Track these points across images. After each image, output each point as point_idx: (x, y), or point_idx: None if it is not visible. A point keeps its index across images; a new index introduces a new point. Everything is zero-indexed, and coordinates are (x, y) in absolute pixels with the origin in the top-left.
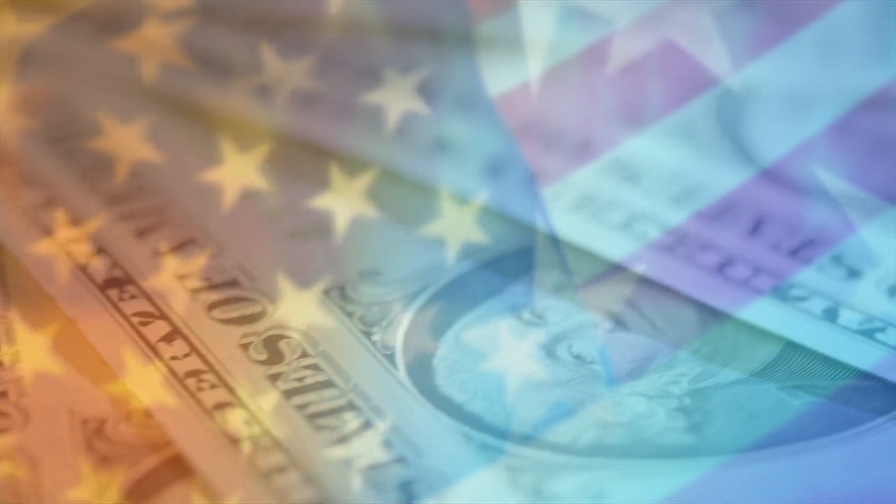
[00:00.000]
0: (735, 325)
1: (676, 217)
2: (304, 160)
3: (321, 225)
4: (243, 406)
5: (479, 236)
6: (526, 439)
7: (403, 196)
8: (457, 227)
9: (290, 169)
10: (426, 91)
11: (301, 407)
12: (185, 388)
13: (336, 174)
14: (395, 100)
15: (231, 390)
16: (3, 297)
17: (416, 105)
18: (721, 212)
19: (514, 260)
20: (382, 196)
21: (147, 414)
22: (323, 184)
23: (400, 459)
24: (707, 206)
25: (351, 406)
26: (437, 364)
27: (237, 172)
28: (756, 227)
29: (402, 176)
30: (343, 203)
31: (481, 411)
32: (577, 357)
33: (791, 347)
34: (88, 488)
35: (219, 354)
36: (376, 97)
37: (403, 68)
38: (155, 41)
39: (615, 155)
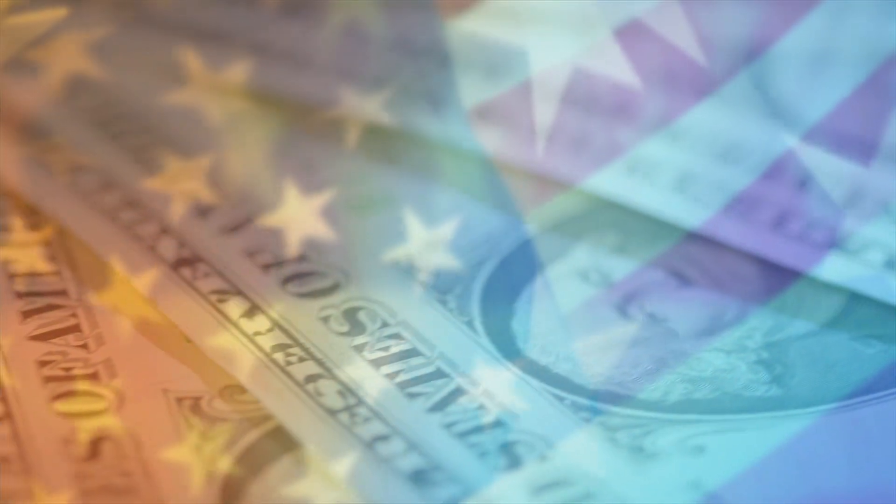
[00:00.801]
0: (797, 278)
1: (726, 175)
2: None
3: (381, 196)
4: (334, 377)
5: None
6: (616, 398)
7: (460, 166)
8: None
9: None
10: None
11: (391, 376)
12: (275, 362)
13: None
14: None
15: (319, 363)
16: (78, 283)
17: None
18: (769, 169)
19: (574, 223)
20: (437, 166)
21: (241, 389)
22: (383, 158)
23: (497, 423)
24: (753, 164)
25: (440, 373)
26: (515, 328)
27: None
28: (804, 183)
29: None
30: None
31: (567, 373)
32: (651, 315)
33: (855, 298)
34: (197, 459)
35: (301, 328)
36: None
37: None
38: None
39: (656, 117)
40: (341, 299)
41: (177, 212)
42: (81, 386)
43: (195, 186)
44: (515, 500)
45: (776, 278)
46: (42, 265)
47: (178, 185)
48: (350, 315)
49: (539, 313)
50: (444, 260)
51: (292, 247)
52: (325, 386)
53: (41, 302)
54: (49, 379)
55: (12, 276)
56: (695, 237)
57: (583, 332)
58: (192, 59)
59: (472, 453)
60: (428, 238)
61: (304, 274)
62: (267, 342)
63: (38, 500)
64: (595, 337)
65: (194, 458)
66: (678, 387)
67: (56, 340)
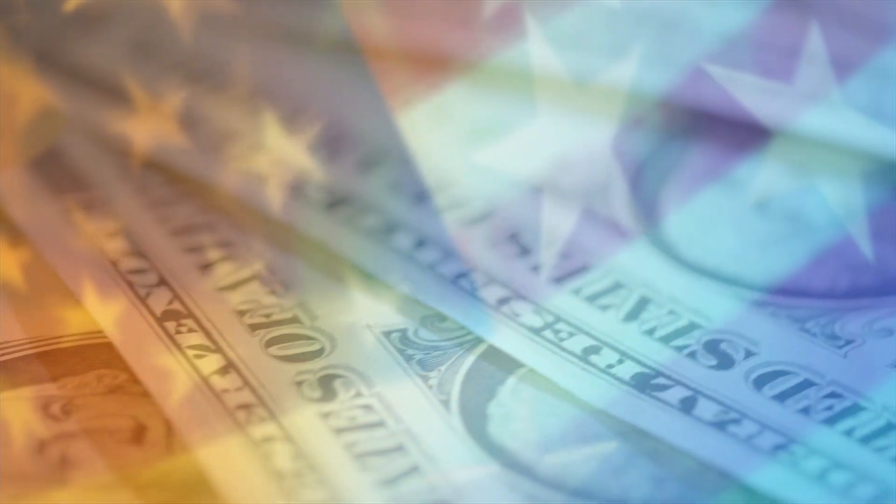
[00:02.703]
0: None
1: None
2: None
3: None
4: (291, 441)
5: None
6: (575, 492)
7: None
8: None
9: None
10: None
11: (349, 445)
12: (235, 419)
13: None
14: None
15: (280, 425)
16: None
17: None
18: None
19: (87, 353)
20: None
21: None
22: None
23: None
24: None
25: (400, 448)
26: (492, 411)
27: None
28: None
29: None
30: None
31: (530, 462)
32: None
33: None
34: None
35: (271, 390)
36: None
37: None
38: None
39: None
40: (321, 366)
41: (180, 265)
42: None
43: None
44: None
45: None
46: None
47: None
48: (325, 382)
49: (518, 399)
50: (437, 336)
51: (287, 309)
52: (280, 448)
53: None
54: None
55: None
56: None
57: (555, 425)
58: None
59: None
60: (424, 311)
61: (291, 337)
62: (234, 400)
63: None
64: (567, 432)
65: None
66: (643, 486)
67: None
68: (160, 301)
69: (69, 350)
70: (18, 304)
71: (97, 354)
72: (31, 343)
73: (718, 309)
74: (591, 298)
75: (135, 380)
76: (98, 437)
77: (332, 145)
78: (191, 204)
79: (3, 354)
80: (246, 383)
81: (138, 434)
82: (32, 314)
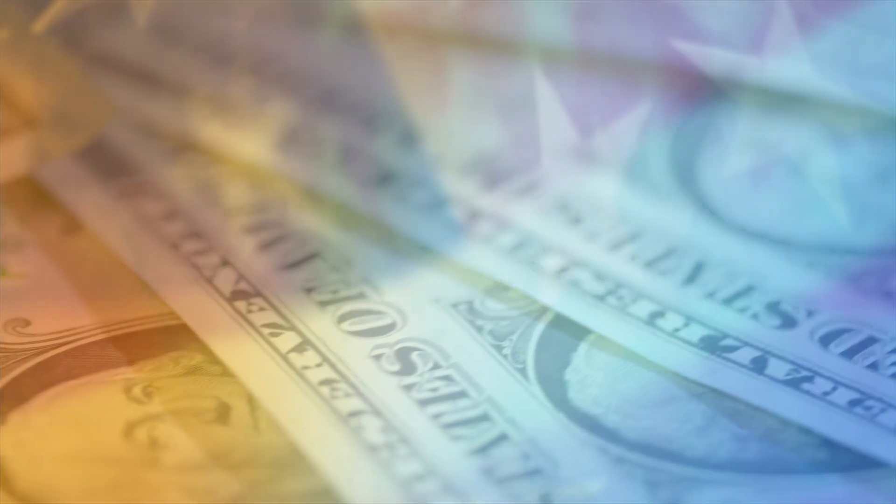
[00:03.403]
0: None
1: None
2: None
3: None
4: (378, 414)
5: None
6: (662, 453)
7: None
8: None
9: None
10: None
11: (436, 416)
12: (319, 395)
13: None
14: None
15: (365, 399)
16: None
17: None
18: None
19: (161, 336)
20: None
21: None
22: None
23: (537, 471)
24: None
25: (486, 417)
26: (569, 378)
27: None
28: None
29: None
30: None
31: (615, 425)
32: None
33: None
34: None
35: (350, 365)
36: None
37: None
38: None
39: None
40: (395, 339)
41: (239, 245)
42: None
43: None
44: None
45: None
46: None
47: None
48: (402, 355)
49: (594, 365)
50: (503, 306)
51: (353, 285)
52: (367, 421)
53: None
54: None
55: None
56: None
57: (638, 386)
58: None
59: (509, 501)
60: (486, 283)
61: (361, 312)
62: (315, 376)
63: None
64: (649, 391)
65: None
66: (727, 445)
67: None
68: (227, 281)
69: (140, 334)
70: (83, 290)
71: (169, 337)
72: (101, 328)
73: (774, 270)
74: (649, 264)
75: (211, 360)
76: (184, 419)
77: (370, 122)
78: (239, 184)
79: (75, 340)
80: (324, 359)
81: (223, 414)
82: (98, 300)
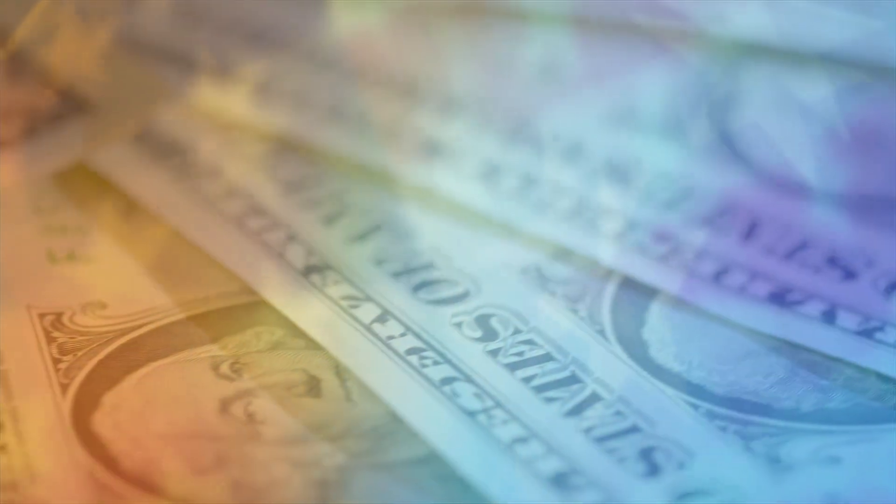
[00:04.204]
0: None
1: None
2: None
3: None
4: (470, 381)
5: None
6: (751, 407)
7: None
8: None
9: None
10: None
11: (526, 380)
12: (409, 364)
13: None
14: None
15: (454, 366)
16: None
17: None
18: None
19: (240, 313)
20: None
21: None
22: None
23: (635, 428)
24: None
25: (575, 378)
26: (647, 337)
27: None
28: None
29: None
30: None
31: (701, 381)
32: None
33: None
34: None
35: (434, 333)
36: None
37: None
38: None
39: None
40: (473, 306)
41: (304, 220)
42: None
43: None
44: None
45: None
46: None
47: None
48: (482, 321)
49: (669, 324)
50: (569, 269)
51: (421, 255)
52: (461, 388)
53: None
54: None
55: None
56: None
57: (715, 340)
58: None
59: (610, 459)
60: (549, 247)
61: (433, 282)
62: (401, 346)
63: None
64: (728, 345)
65: None
66: (812, 396)
67: None
68: (297, 256)
69: (219, 311)
70: (152, 271)
71: (248, 313)
72: (179, 307)
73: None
74: (705, 222)
75: (294, 334)
76: (276, 393)
77: (411, 93)
78: (291, 160)
79: (154, 320)
80: (408, 329)
81: (314, 387)
82: (170, 280)
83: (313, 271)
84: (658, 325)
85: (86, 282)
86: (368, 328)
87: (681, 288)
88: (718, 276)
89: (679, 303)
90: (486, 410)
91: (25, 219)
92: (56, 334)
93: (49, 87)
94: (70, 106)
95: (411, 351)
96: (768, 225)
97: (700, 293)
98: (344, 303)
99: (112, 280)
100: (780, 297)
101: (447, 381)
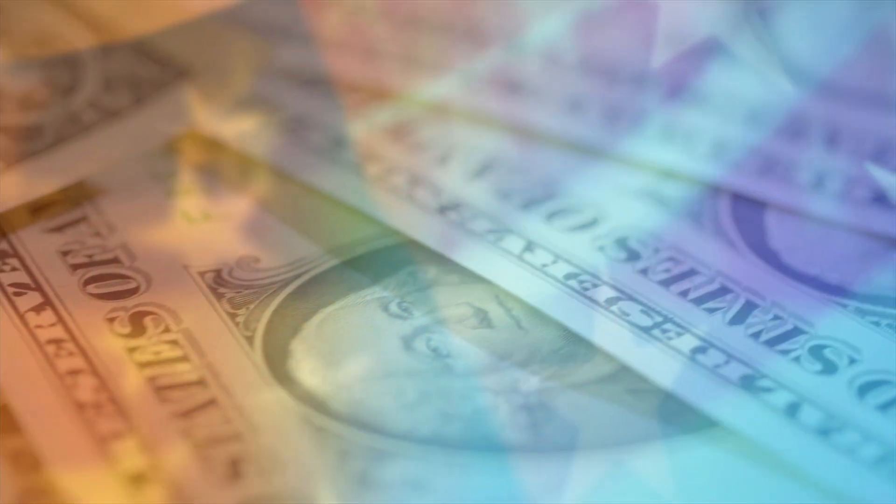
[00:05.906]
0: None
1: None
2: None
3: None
4: (633, 300)
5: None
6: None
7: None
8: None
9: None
10: None
11: (683, 293)
12: (571, 288)
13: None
14: None
15: (613, 287)
16: None
17: None
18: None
19: (389, 254)
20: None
21: None
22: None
23: (797, 330)
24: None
25: (725, 289)
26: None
27: None
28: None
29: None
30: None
31: (839, 282)
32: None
33: None
34: None
35: (582, 258)
36: None
37: None
38: None
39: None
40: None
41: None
42: None
43: None
44: (846, 401)
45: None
46: None
47: None
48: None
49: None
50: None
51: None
52: (628, 307)
53: None
54: None
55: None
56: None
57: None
58: None
59: (787, 359)
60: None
61: (563, 210)
62: (557, 272)
63: None
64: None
65: None
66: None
67: None
68: (428, 196)
69: (369, 255)
70: (290, 222)
71: (397, 254)
72: (328, 254)
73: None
74: (792, 134)
75: (446, 271)
76: (452, 327)
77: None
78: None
79: (311, 269)
80: (557, 256)
81: (484, 318)
82: (310, 229)
83: (448, 209)
84: (780, 233)
85: (231, 238)
86: (520, 258)
87: (788, 197)
88: (818, 184)
89: (791, 211)
90: (657, 325)
91: (146, 186)
92: (222, 290)
93: (148, 57)
94: (172, 74)
95: (569, 276)
96: (846, 134)
97: (807, 200)
98: (489, 236)
99: (255, 234)
100: (882, 199)
101: (611, 301)
